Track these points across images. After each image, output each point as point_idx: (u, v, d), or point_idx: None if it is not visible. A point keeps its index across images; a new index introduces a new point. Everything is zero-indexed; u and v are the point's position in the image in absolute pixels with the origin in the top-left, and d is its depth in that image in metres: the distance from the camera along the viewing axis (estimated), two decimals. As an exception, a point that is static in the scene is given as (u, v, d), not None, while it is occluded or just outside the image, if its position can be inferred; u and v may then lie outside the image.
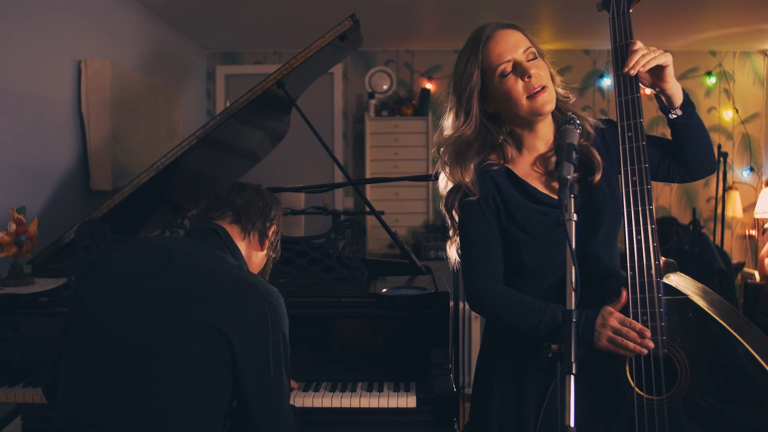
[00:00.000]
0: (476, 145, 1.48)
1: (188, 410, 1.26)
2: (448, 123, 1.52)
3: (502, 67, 1.40)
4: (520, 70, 1.40)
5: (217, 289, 1.31)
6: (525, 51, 1.42)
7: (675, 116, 1.43)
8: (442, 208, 1.54)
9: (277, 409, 1.38)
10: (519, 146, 1.50)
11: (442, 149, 1.51)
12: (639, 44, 1.38)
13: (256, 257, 1.58)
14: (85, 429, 1.27)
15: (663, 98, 1.43)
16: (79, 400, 1.29)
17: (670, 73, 1.38)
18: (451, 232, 1.56)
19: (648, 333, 1.28)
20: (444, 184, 1.54)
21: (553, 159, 1.46)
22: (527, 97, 1.40)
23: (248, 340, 1.30)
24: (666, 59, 1.36)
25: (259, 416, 1.37)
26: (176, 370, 1.26)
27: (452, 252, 1.58)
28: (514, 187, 1.47)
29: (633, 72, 1.35)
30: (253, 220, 1.53)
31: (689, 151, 1.47)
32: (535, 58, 1.42)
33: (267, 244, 1.58)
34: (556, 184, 1.45)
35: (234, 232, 1.51)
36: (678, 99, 1.42)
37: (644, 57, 1.35)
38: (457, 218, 1.50)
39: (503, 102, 1.44)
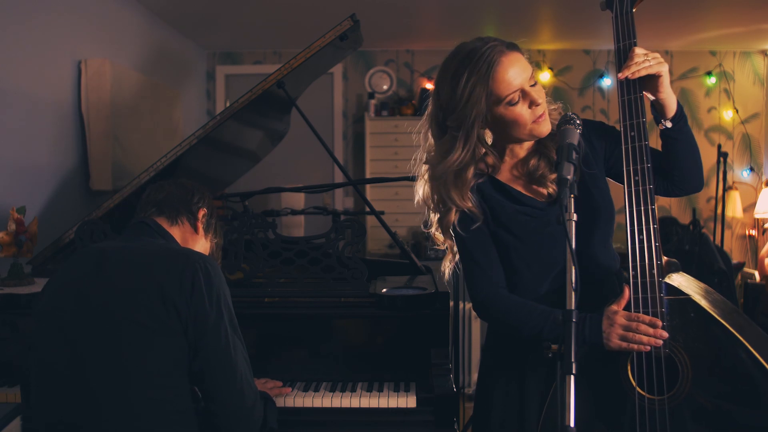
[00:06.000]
0: (472, 166, 1.44)
1: (151, 382, 1.33)
2: (442, 147, 1.45)
3: (512, 96, 1.37)
4: (529, 98, 1.38)
5: (152, 262, 1.39)
6: (530, 77, 1.40)
7: (664, 127, 1.41)
8: (435, 228, 1.54)
9: (230, 371, 1.38)
10: (501, 155, 1.51)
11: (441, 180, 1.45)
12: (638, 50, 1.36)
13: (196, 244, 1.64)
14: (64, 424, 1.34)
15: (657, 107, 1.41)
16: (53, 401, 1.35)
17: (664, 83, 1.36)
18: (444, 247, 1.58)
19: (659, 323, 1.28)
20: (422, 195, 1.53)
21: (532, 162, 1.47)
22: (532, 122, 1.40)
23: (189, 300, 1.35)
24: (661, 68, 1.34)
25: (212, 384, 1.38)
26: (136, 346, 1.33)
27: (445, 266, 1.61)
28: (496, 192, 1.48)
29: (622, 76, 1.36)
30: (176, 207, 1.60)
31: (676, 165, 1.43)
32: (535, 83, 1.41)
33: (201, 227, 1.64)
34: (536, 186, 1.47)
35: (162, 222, 1.58)
36: (670, 110, 1.39)
37: (638, 64, 1.34)
38: (454, 236, 1.49)
39: (503, 126, 1.42)
